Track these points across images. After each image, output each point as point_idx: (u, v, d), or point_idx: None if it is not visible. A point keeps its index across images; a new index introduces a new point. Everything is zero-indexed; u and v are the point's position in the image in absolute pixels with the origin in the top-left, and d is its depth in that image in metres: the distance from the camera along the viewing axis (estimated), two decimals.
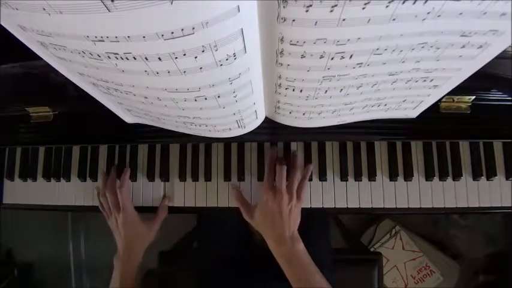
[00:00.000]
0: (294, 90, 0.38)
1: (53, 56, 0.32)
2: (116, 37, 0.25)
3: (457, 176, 0.57)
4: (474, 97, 0.52)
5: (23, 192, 0.66)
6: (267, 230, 0.53)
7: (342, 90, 0.38)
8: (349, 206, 0.58)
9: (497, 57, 0.32)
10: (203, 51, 0.27)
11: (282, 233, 0.52)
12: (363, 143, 0.59)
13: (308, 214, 0.56)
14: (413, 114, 0.49)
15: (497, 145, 0.58)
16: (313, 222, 0.71)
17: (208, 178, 0.61)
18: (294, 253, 0.51)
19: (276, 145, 0.60)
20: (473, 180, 0.57)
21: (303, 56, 0.30)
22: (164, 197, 0.62)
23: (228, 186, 0.61)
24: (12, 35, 0.29)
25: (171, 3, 0.21)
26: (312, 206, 0.59)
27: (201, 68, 0.30)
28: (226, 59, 0.29)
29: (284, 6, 0.24)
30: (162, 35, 0.24)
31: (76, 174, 0.64)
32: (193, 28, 0.24)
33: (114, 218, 0.57)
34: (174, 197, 0.62)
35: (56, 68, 0.35)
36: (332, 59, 0.31)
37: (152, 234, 0.60)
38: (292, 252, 0.51)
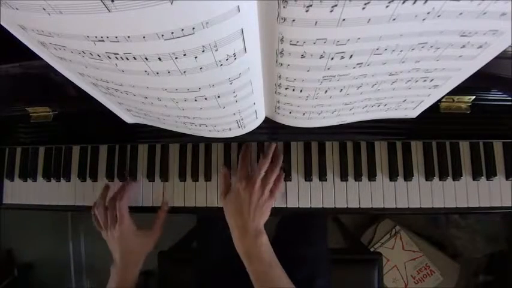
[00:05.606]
0: (294, 90, 0.38)
1: (53, 56, 0.32)
2: (116, 37, 0.25)
3: (457, 176, 0.57)
4: (474, 97, 0.52)
5: (23, 192, 0.66)
6: (232, 219, 0.53)
7: (342, 90, 0.38)
8: (349, 206, 0.58)
9: (497, 57, 0.32)
10: (203, 51, 0.27)
11: (246, 224, 0.51)
12: (362, 143, 0.59)
13: (305, 215, 0.56)
14: (413, 114, 0.49)
15: (497, 145, 0.58)
16: (311, 223, 0.71)
17: (208, 178, 0.61)
18: (255, 247, 0.50)
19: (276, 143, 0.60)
20: (473, 180, 0.57)
21: (303, 56, 0.30)
22: (162, 204, 0.61)
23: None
24: (12, 35, 0.29)
25: (171, 3, 0.21)
26: (312, 206, 0.59)
27: (201, 68, 0.30)
28: (226, 59, 0.29)
29: (284, 6, 0.24)
30: (162, 35, 0.24)
31: (76, 174, 0.64)
32: (193, 28, 0.24)
33: (110, 232, 0.56)
34: (174, 197, 0.62)
35: (56, 68, 0.35)
36: (332, 59, 0.30)
37: (152, 242, 0.59)
38: (253, 245, 0.50)
